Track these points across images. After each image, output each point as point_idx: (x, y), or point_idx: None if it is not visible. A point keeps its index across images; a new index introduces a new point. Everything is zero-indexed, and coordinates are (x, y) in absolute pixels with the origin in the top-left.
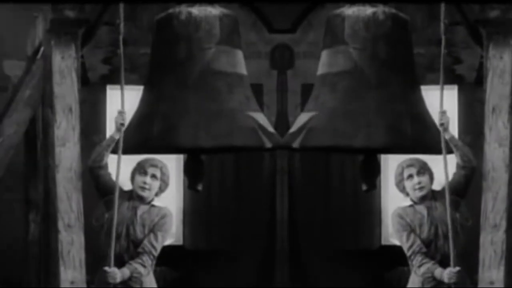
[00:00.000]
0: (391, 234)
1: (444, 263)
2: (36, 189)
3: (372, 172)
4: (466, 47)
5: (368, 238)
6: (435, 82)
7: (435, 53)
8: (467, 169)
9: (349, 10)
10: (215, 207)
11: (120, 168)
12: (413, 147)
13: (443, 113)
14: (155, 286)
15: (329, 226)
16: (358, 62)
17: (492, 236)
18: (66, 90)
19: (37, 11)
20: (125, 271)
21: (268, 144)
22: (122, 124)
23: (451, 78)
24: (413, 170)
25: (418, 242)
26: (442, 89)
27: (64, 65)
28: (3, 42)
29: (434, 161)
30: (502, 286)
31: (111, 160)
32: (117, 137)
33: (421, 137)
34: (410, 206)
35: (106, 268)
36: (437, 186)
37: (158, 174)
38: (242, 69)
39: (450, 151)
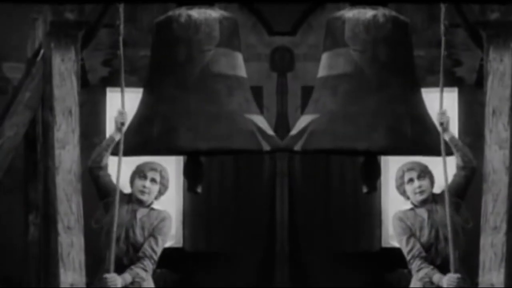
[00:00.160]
0: (391, 236)
1: (444, 267)
2: (36, 191)
3: (373, 174)
4: (466, 49)
5: (369, 240)
6: (435, 84)
7: (435, 55)
8: (467, 169)
9: (349, 13)
10: (215, 209)
11: (121, 170)
12: (413, 149)
13: (442, 113)
14: None
15: (329, 228)
16: (359, 65)
17: (493, 238)
18: (66, 92)
19: (37, 14)
20: (127, 277)
21: (267, 147)
22: (123, 124)
23: (451, 80)
24: (413, 174)
25: (418, 246)
26: (441, 91)
27: (64, 67)
28: (3, 45)
29: (434, 163)
30: None
31: (112, 162)
32: (117, 137)
33: (421, 139)
34: (411, 209)
35: (106, 275)
36: (437, 188)
37: (158, 178)
38: (242, 72)
39: (449, 153)
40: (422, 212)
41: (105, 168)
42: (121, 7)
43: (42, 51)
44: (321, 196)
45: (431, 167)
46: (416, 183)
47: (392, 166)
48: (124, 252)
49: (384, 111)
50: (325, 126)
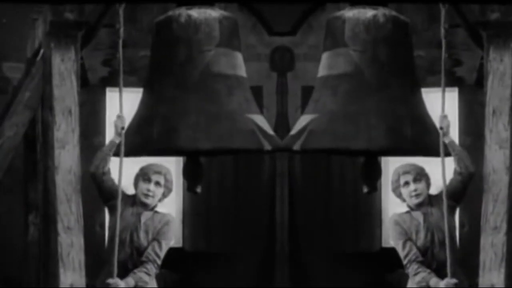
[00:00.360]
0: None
1: (440, 271)
2: (35, 191)
3: (373, 174)
4: (466, 49)
5: (369, 240)
6: (435, 84)
7: (436, 55)
8: (464, 175)
9: (350, 13)
10: (214, 209)
11: (122, 174)
12: (413, 150)
13: (444, 117)
14: None
15: (329, 228)
16: (359, 65)
17: (493, 238)
18: (65, 92)
19: (37, 14)
20: (130, 281)
21: (268, 147)
22: (123, 128)
23: (452, 80)
24: (409, 177)
25: (414, 250)
26: (443, 94)
27: (64, 67)
28: (3, 44)
29: (432, 163)
30: None
31: (113, 164)
32: (117, 141)
33: (421, 139)
34: (407, 212)
35: (109, 280)
36: (434, 189)
37: (162, 181)
38: (242, 71)
39: (448, 154)
40: (418, 216)
41: (108, 173)
42: (121, 10)
43: (42, 51)
44: (321, 196)
45: (429, 168)
46: (412, 186)
47: (392, 166)
48: (128, 255)
49: (384, 112)
50: (325, 125)
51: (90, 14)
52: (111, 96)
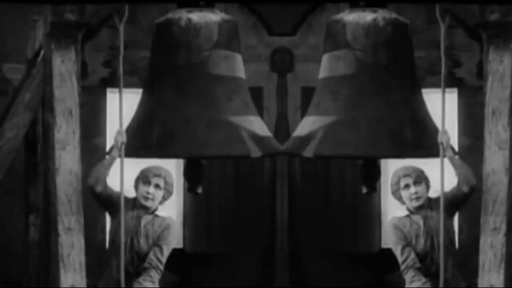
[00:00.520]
0: None
1: (439, 276)
2: (36, 192)
3: (373, 175)
4: (466, 50)
5: (368, 241)
6: (435, 85)
7: (435, 56)
8: (466, 187)
9: (349, 17)
10: (215, 210)
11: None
12: (414, 152)
13: (444, 132)
14: None
15: (329, 229)
16: (359, 67)
17: (492, 239)
18: (66, 93)
19: (37, 15)
20: None
21: (256, 153)
22: (123, 143)
23: (451, 81)
24: (409, 180)
25: (412, 256)
26: (443, 93)
27: (64, 68)
28: (3, 45)
29: (430, 164)
30: None
31: (114, 166)
32: (117, 155)
33: (423, 141)
34: (407, 216)
35: None
36: (434, 191)
37: (162, 184)
38: (241, 73)
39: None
40: (418, 219)
41: (106, 185)
42: (121, 27)
43: (42, 52)
44: (321, 197)
45: (429, 169)
46: (412, 189)
47: (391, 167)
48: (129, 260)
49: (385, 114)
50: (327, 132)
51: (90, 15)
52: (112, 97)
